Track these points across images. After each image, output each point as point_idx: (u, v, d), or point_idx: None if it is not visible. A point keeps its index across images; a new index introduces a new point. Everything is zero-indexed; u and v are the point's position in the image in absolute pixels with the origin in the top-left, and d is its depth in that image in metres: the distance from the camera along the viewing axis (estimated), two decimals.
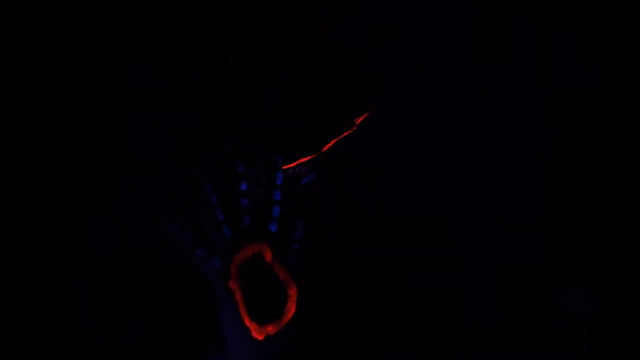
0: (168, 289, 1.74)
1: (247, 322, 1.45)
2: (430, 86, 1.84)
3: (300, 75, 1.78)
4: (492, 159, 1.83)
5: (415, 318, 1.77)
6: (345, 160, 1.73)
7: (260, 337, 1.45)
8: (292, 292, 1.47)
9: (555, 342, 1.76)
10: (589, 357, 1.74)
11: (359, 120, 1.68)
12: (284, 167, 1.53)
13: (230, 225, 1.48)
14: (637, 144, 1.83)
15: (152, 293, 1.74)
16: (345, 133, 1.65)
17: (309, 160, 1.61)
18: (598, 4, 1.84)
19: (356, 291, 1.75)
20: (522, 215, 1.82)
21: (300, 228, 1.50)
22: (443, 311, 1.79)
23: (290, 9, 1.81)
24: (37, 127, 1.76)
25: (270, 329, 1.45)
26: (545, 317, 1.77)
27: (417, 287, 1.78)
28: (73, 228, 1.75)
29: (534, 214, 1.82)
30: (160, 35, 1.77)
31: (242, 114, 1.73)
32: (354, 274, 1.76)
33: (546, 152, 1.84)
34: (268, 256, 1.49)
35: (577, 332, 1.75)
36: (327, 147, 1.64)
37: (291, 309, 1.47)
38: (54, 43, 1.79)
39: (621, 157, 1.83)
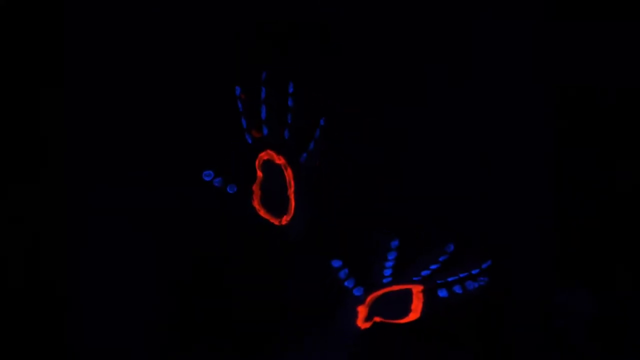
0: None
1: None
2: (432, 88, 1.85)
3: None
4: (493, 159, 1.84)
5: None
6: None
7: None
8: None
9: (555, 342, 1.76)
10: (589, 357, 1.75)
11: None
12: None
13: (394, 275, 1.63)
14: (636, 143, 1.84)
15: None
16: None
17: None
18: (598, 3, 1.84)
19: None
20: (522, 215, 1.82)
21: None
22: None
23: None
24: None
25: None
26: (545, 317, 1.77)
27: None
28: None
29: (534, 214, 1.82)
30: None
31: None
32: None
33: (547, 151, 1.84)
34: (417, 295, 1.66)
35: (577, 332, 1.76)
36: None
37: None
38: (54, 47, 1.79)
39: (621, 156, 1.84)
